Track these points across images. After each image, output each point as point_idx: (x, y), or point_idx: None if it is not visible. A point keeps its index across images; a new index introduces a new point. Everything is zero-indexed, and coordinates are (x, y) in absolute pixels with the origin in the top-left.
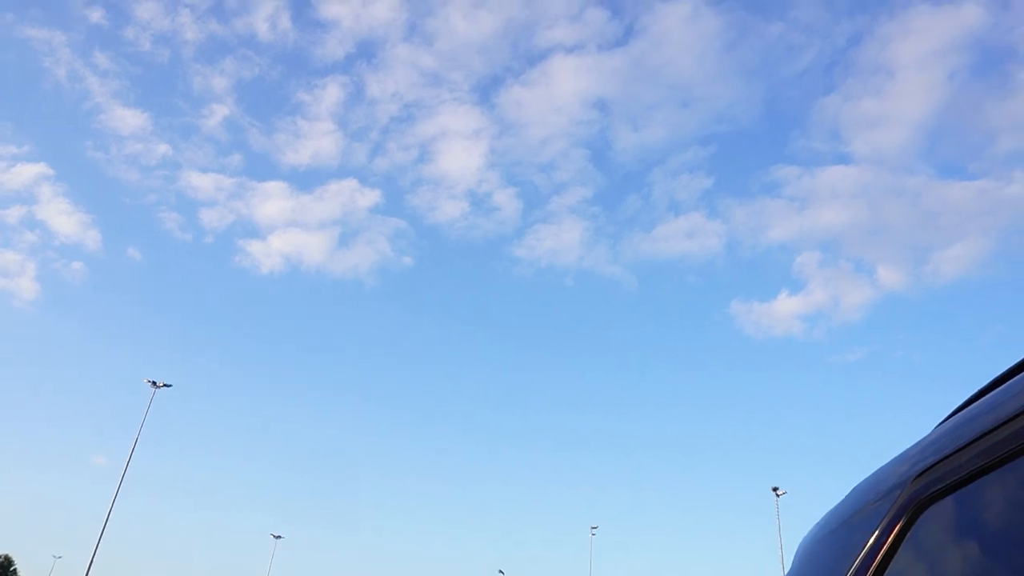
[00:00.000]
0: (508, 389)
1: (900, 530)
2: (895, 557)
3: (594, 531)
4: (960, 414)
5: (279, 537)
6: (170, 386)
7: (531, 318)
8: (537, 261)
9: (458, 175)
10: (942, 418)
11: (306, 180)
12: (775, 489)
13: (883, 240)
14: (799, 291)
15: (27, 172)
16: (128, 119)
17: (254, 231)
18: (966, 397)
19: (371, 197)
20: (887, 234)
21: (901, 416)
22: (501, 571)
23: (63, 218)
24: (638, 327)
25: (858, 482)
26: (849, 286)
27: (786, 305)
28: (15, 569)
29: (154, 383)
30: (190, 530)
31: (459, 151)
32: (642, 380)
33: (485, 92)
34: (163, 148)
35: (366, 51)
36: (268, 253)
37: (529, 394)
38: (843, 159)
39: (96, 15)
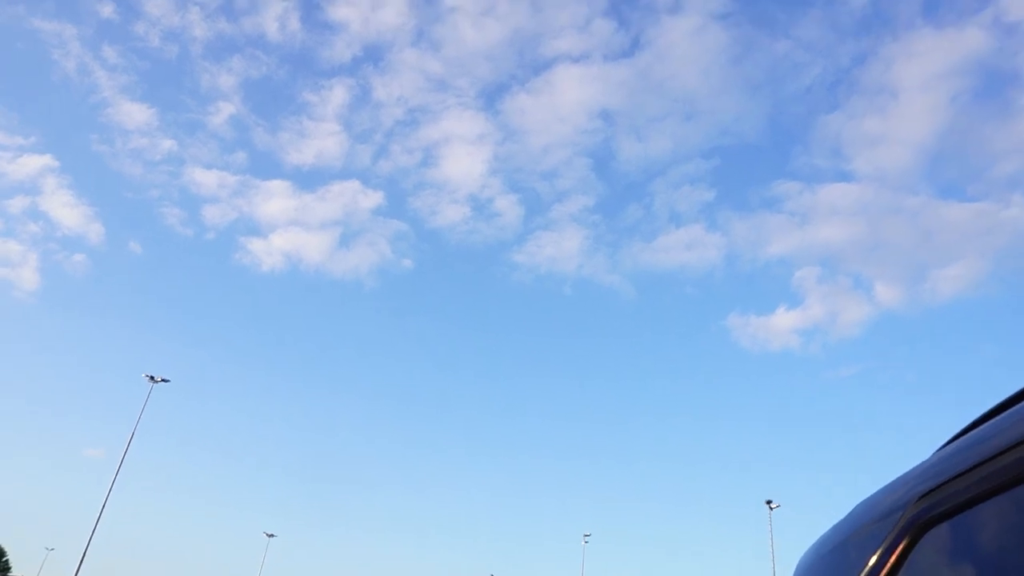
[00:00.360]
0: (505, 394)
1: (901, 553)
2: None
3: (587, 539)
4: (963, 438)
5: (272, 535)
6: (168, 381)
7: (529, 324)
8: (536, 268)
9: (461, 180)
10: (944, 441)
11: (309, 180)
12: (769, 502)
13: (881, 258)
14: (797, 306)
15: (32, 163)
16: (135, 114)
17: (256, 229)
18: (968, 422)
19: (373, 199)
20: (886, 252)
21: (895, 433)
22: (492, 575)
23: (66, 210)
24: (635, 337)
25: (859, 502)
26: (847, 302)
27: (784, 319)
28: (7, 560)
29: (152, 378)
30: (184, 525)
31: (463, 156)
32: (638, 390)
33: (490, 99)
34: (168, 143)
35: (373, 54)
36: (269, 251)
37: (526, 400)
38: (844, 176)
39: (107, 10)
